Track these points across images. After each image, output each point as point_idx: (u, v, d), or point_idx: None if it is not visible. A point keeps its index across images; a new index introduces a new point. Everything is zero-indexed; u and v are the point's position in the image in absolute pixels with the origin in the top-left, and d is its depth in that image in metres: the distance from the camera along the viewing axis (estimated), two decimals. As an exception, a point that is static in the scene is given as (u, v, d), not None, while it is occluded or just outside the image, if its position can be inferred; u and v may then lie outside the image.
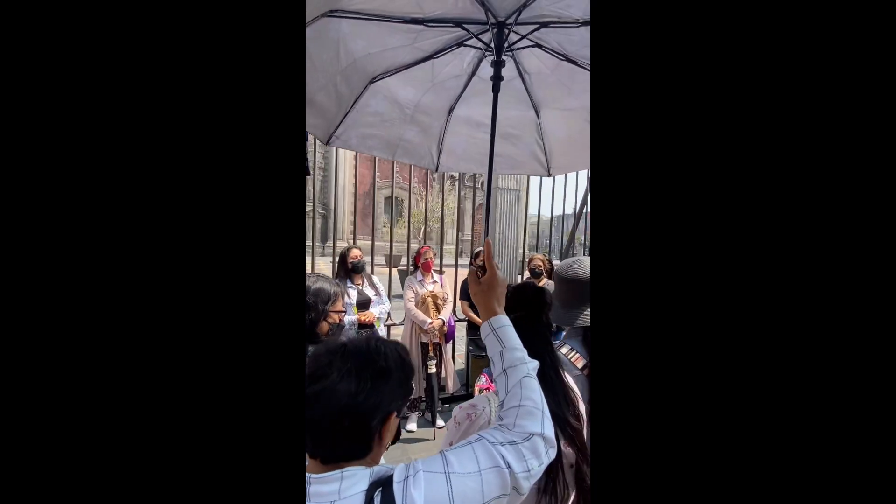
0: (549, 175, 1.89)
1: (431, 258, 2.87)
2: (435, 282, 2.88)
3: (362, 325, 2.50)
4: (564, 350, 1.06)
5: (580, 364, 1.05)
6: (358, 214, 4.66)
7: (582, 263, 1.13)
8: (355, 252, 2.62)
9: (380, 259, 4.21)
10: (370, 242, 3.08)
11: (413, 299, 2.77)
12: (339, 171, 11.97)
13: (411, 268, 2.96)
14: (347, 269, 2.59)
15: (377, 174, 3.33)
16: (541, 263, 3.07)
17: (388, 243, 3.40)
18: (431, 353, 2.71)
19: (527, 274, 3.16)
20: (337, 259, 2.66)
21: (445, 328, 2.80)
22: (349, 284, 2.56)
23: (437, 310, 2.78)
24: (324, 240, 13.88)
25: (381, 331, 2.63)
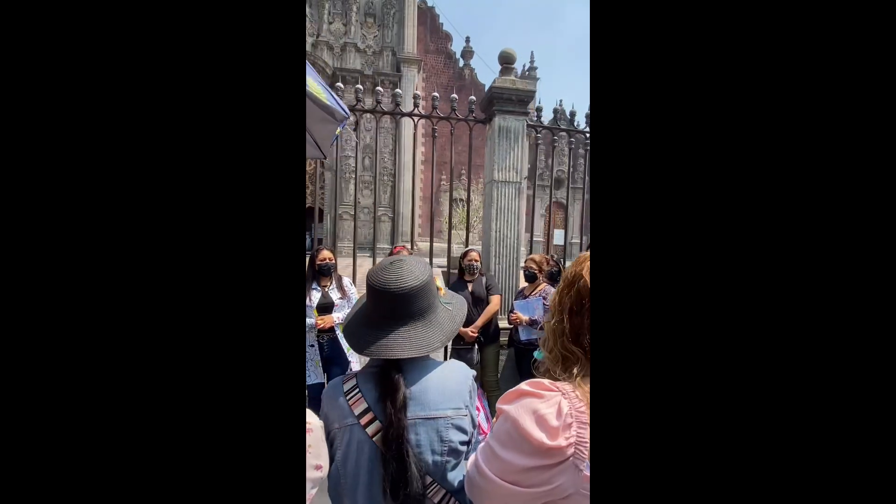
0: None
1: (407, 259, 2.68)
2: (411, 285, 2.68)
3: (322, 330, 2.43)
4: (347, 386, 0.76)
5: (359, 409, 0.74)
6: (422, 217, 4.73)
7: (401, 266, 0.79)
8: (324, 254, 2.57)
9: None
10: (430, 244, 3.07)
11: (385, 303, 2.61)
12: (404, 176, 12.41)
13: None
14: (315, 271, 2.54)
15: (442, 177, 3.28)
16: (534, 265, 2.66)
17: (449, 244, 3.32)
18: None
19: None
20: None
21: (420, 335, 2.58)
22: (314, 286, 2.52)
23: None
24: (392, 242, 14.49)
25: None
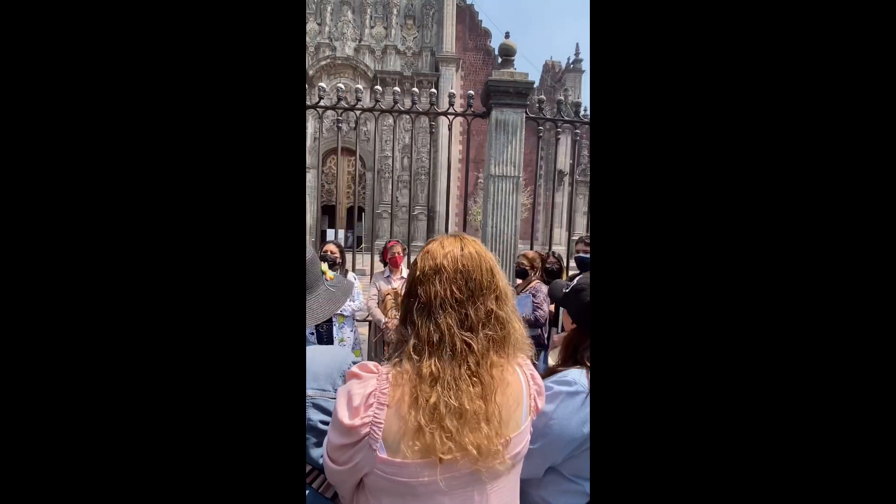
0: None
1: (399, 253, 2.73)
2: (402, 278, 2.72)
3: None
4: None
5: None
6: (458, 215, 4.81)
7: None
8: (329, 247, 2.69)
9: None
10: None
11: (376, 297, 2.68)
12: (440, 175, 12.52)
13: (380, 265, 2.87)
14: (315, 264, 2.67)
15: (479, 174, 3.32)
16: (526, 262, 2.59)
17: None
18: (386, 354, 2.58)
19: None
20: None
21: (408, 328, 2.62)
22: (314, 279, 2.65)
23: (397, 308, 2.62)
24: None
25: (346, 325, 2.63)
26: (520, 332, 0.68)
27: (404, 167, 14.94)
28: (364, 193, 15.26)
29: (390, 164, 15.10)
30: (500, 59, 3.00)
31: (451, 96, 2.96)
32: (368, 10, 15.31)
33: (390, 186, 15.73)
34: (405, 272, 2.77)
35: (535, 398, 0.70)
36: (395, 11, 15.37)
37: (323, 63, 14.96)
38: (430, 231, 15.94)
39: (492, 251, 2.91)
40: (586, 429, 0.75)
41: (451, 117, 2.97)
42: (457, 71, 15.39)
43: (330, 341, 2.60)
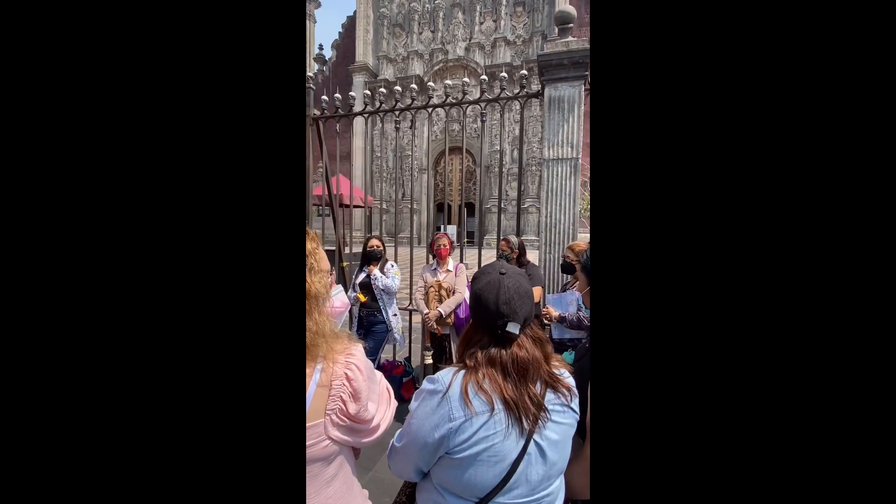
0: None
1: (444, 246, 2.73)
2: (448, 271, 2.72)
3: (362, 305, 2.75)
4: None
5: None
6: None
7: None
8: (373, 242, 2.88)
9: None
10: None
11: (422, 288, 2.74)
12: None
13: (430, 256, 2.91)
14: (366, 256, 2.89)
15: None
16: (572, 255, 2.29)
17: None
18: (428, 344, 2.62)
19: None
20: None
21: (451, 320, 2.61)
22: (363, 269, 2.87)
23: (440, 300, 2.63)
24: (539, 233, 14.08)
25: (390, 305, 2.77)
26: (319, 334, 0.67)
27: (514, 160, 14.62)
28: (475, 190, 15.51)
29: (499, 158, 14.96)
30: (556, 30, 2.69)
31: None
32: (478, 7, 15.44)
33: (499, 181, 15.54)
34: (451, 265, 2.76)
35: (344, 401, 0.67)
36: (504, 2, 15.13)
37: (436, 68, 15.74)
38: (541, 224, 15.26)
39: (547, 243, 2.64)
40: (438, 433, 0.66)
41: (503, 102, 2.81)
42: (571, 51, 14.29)
43: (370, 326, 2.74)
